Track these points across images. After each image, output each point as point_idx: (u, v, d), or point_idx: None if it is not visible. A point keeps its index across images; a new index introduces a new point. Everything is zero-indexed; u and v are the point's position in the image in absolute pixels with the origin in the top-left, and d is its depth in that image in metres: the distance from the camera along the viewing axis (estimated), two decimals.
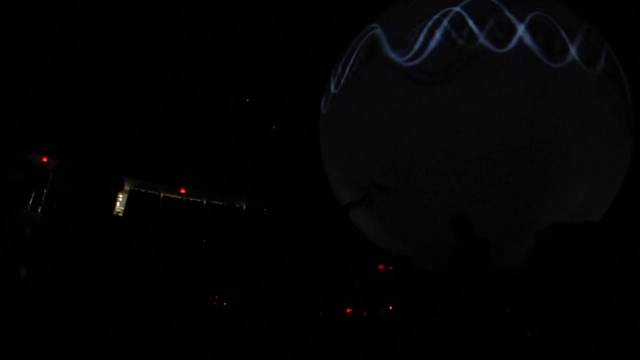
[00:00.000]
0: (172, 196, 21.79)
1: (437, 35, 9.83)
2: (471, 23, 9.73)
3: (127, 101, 18.27)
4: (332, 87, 11.79)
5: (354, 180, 10.82)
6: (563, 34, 9.77)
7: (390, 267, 8.79)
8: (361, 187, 8.51)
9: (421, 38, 9.98)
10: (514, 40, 9.51)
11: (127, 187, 21.14)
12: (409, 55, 10.04)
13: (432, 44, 9.86)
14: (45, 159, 19.08)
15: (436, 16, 9.98)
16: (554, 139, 9.19)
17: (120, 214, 20.34)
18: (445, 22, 9.86)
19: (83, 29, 16.22)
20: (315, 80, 13.95)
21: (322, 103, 12.09)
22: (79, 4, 15.70)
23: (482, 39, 9.56)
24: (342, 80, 11.33)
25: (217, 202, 21.49)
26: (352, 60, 11.23)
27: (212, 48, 17.42)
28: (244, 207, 21.20)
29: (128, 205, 20.88)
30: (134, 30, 16.68)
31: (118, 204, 20.75)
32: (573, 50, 9.68)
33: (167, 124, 19.05)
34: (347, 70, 11.22)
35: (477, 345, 4.63)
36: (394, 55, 10.23)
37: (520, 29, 9.58)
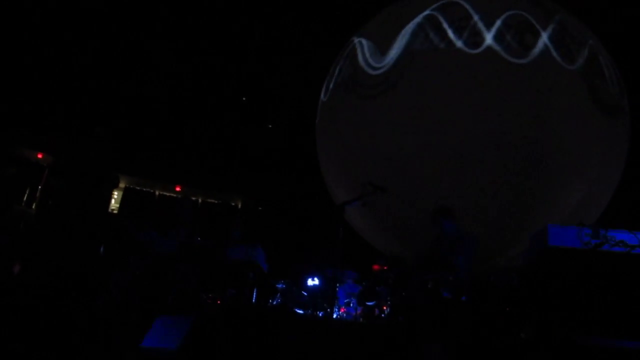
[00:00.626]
0: (168, 194, 21.76)
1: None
2: (445, 26, 9.78)
3: (123, 98, 18.21)
4: (322, 94, 11.93)
5: (350, 179, 10.86)
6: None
7: (385, 267, 8.77)
8: (357, 187, 8.53)
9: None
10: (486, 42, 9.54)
11: (122, 185, 21.10)
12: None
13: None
14: (40, 155, 19.02)
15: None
16: (544, 137, 9.22)
17: (116, 211, 20.30)
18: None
19: (79, 24, 16.16)
20: (312, 80, 13.96)
21: (322, 92, 12.12)
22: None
23: (459, 44, 9.60)
24: (331, 86, 11.47)
25: (213, 201, 21.47)
26: (337, 68, 11.40)
27: (209, 45, 17.38)
28: (239, 205, 21.20)
29: (123, 202, 20.84)
30: (130, 27, 16.63)
31: (113, 201, 20.72)
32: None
33: (163, 122, 19.01)
34: (335, 76, 11.37)
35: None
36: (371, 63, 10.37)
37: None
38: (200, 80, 18.20)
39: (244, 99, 19.39)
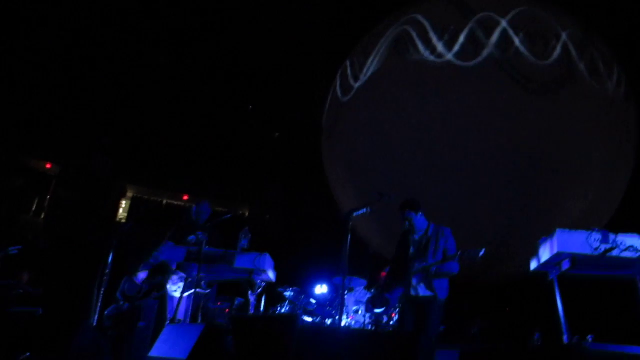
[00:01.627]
0: (175, 202, 21.78)
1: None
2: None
3: (130, 108, 18.27)
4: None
5: (357, 187, 10.86)
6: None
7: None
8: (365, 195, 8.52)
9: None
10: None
11: (129, 194, 21.14)
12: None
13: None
14: (48, 166, 19.10)
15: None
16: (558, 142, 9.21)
17: (124, 221, 20.31)
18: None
19: (86, 34, 16.25)
20: (318, 89, 13.99)
21: (326, 110, 12.10)
22: (82, 9, 15.73)
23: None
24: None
25: (220, 209, 21.47)
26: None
27: (216, 54, 17.44)
28: (247, 214, 21.18)
29: (131, 212, 20.86)
30: (137, 36, 16.70)
31: (121, 210, 20.75)
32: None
33: (170, 131, 19.05)
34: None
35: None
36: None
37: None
38: (207, 89, 18.25)
39: (250, 107, 19.43)
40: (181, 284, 7.27)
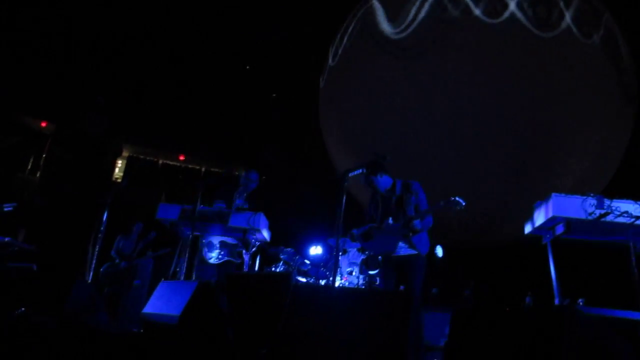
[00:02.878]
0: (171, 163, 21.77)
1: (426, 7, 9.73)
2: None
3: (126, 67, 18.11)
4: (330, 58, 11.73)
5: (352, 148, 10.83)
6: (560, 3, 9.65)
7: None
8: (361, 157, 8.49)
9: (413, 11, 9.89)
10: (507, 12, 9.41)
11: (125, 154, 21.10)
12: (401, 28, 9.95)
13: (421, 15, 9.77)
14: (44, 124, 18.99)
15: None
16: (549, 110, 9.16)
17: (119, 180, 20.32)
18: None
19: None
20: (316, 46, 13.83)
21: (322, 73, 12.01)
22: None
23: (477, 12, 9.45)
24: (340, 52, 11.28)
25: (216, 170, 21.47)
26: (348, 32, 11.17)
27: (213, 13, 17.21)
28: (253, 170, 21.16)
29: (126, 171, 20.85)
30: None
31: (117, 169, 20.73)
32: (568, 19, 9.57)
33: (166, 90, 18.92)
34: (344, 41, 11.14)
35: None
36: (388, 28, 10.15)
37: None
38: (203, 48, 18.06)
39: (247, 67, 19.25)
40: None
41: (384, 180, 5.68)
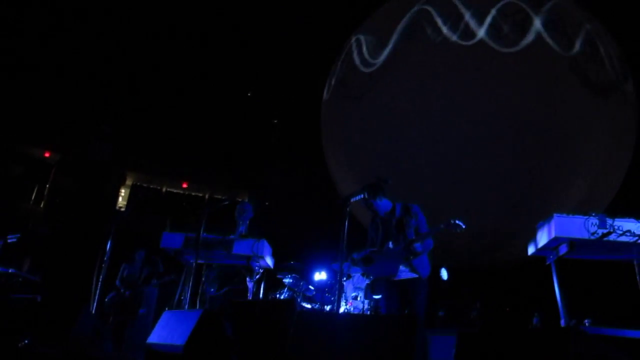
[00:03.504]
0: (175, 190, 21.81)
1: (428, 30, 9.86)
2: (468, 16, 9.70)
3: (129, 95, 18.26)
4: (325, 92, 11.88)
5: (355, 172, 10.86)
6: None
7: None
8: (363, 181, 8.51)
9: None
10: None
11: (129, 182, 21.16)
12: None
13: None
14: (47, 154, 19.10)
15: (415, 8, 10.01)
16: (552, 130, 9.19)
17: (123, 209, 20.34)
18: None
19: (85, 24, 16.20)
20: (317, 74, 13.94)
21: (325, 91, 12.10)
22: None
23: (481, 33, 9.55)
24: (332, 84, 11.42)
25: (220, 197, 21.48)
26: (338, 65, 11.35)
27: (215, 42, 17.39)
28: (246, 200, 21.20)
29: (130, 199, 20.88)
30: (136, 24, 16.66)
31: (120, 198, 20.77)
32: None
33: (170, 119, 19.04)
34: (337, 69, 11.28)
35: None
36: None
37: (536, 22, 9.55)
38: (206, 76, 18.22)
39: (249, 94, 19.39)
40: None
41: (383, 204, 5.67)
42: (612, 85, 9.95)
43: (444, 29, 9.67)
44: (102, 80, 17.56)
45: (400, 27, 10.18)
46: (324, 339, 3.97)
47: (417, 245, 5.31)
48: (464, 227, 5.17)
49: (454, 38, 9.55)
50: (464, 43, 9.45)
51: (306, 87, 16.13)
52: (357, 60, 10.86)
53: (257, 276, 7.17)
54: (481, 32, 9.52)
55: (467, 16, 9.57)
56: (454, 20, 9.64)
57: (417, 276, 5.44)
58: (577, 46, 9.62)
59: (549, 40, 9.44)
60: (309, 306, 9.01)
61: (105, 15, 16.19)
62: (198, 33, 17.18)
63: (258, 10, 16.33)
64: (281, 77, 17.90)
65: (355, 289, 9.00)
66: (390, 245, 5.52)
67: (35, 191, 19.08)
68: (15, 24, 15.62)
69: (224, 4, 16.32)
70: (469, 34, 9.49)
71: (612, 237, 5.15)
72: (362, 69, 10.64)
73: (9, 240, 7.65)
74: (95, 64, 17.27)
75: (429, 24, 9.83)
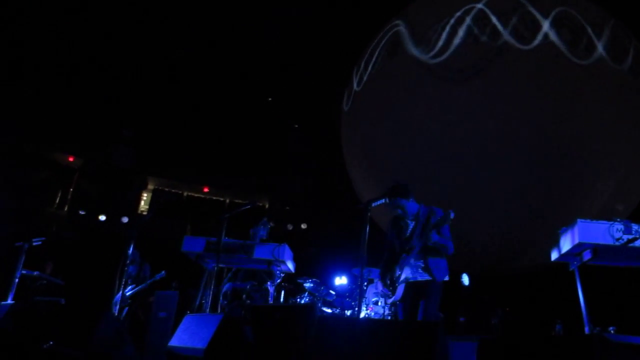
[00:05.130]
0: (196, 195, 21.95)
1: (460, 32, 9.75)
2: (494, 20, 9.64)
3: (151, 100, 18.42)
4: (355, 84, 11.77)
5: (375, 177, 10.83)
6: (589, 29, 9.63)
7: None
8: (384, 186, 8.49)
9: (444, 35, 9.91)
10: (539, 37, 9.41)
11: (150, 186, 21.34)
12: (433, 53, 9.98)
13: (456, 41, 9.79)
14: (71, 159, 19.34)
15: (458, 13, 9.90)
16: (579, 136, 9.09)
17: (144, 213, 20.53)
18: (468, 20, 9.78)
19: (109, 30, 16.39)
20: (338, 78, 13.95)
21: (344, 100, 12.07)
22: (108, 4, 15.88)
23: (506, 36, 9.48)
24: (365, 78, 11.31)
25: (240, 201, 21.57)
26: (374, 58, 11.20)
27: (236, 47, 17.48)
28: (267, 205, 21.26)
29: (152, 204, 21.06)
30: (158, 30, 16.81)
31: (142, 202, 20.95)
32: (600, 47, 9.54)
33: (191, 124, 19.17)
34: (369, 68, 11.18)
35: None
36: (417, 52, 10.18)
37: (545, 26, 9.46)
38: (227, 82, 18.31)
39: (269, 99, 19.46)
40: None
41: (411, 205, 5.67)
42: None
43: (469, 35, 9.62)
44: (125, 86, 17.73)
45: (420, 36, 10.14)
46: (344, 344, 3.96)
47: (435, 235, 5.29)
48: (452, 215, 5.17)
49: (481, 40, 9.50)
50: (487, 47, 9.39)
51: (327, 91, 16.14)
52: (376, 67, 10.84)
53: (278, 280, 7.18)
54: (505, 34, 9.45)
55: (494, 19, 9.51)
56: (481, 26, 9.59)
57: (430, 279, 5.41)
58: (599, 48, 9.51)
59: (560, 41, 9.36)
60: (329, 311, 9.00)
61: (128, 22, 16.35)
62: (219, 38, 17.28)
63: (280, 15, 16.39)
64: (302, 82, 17.93)
65: (376, 294, 8.97)
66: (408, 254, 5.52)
67: (59, 195, 19.33)
68: (40, 32, 15.85)
69: (246, 10, 16.40)
70: (493, 36, 9.43)
71: (637, 244, 5.07)
72: (382, 75, 10.62)
73: (33, 244, 7.75)
74: (117, 69, 17.46)
75: (453, 30, 9.80)
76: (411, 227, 5.67)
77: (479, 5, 9.76)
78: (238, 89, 18.53)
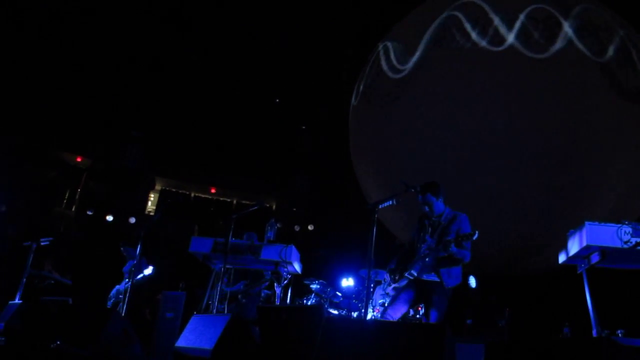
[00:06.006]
0: (203, 195, 22.00)
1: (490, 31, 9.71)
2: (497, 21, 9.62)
3: (159, 102, 18.48)
4: (353, 98, 11.83)
5: (383, 178, 10.82)
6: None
7: None
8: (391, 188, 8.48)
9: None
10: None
11: (158, 187, 21.40)
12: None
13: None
14: (79, 159, 19.42)
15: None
16: (587, 139, 9.06)
17: (152, 213, 20.58)
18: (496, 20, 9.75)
19: (117, 29, 16.46)
20: (345, 80, 13.96)
21: (353, 96, 12.06)
22: (118, 5, 15.95)
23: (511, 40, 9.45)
24: (361, 90, 11.37)
25: (247, 202, 21.60)
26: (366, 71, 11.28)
27: (243, 49, 17.52)
28: (274, 206, 21.29)
29: (159, 204, 21.12)
30: (166, 34, 16.88)
31: (149, 203, 21.01)
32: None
33: (199, 125, 19.23)
34: (383, 65, 11.14)
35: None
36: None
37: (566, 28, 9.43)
38: (234, 82, 18.35)
39: (277, 100, 19.49)
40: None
41: (438, 205, 5.65)
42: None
43: (473, 35, 9.59)
44: (133, 87, 17.79)
45: (428, 34, 10.12)
46: (351, 346, 3.96)
47: (453, 247, 5.24)
48: (476, 236, 5.11)
49: (483, 44, 9.47)
50: (493, 49, 9.36)
51: (334, 93, 16.15)
52: (385, 67, 10.82)
53: (285, 282, 7.19)
54: (511, 38, 9.42)
55: (497, 21, 9.48)
56: (483, 26, 9.56)
57: (438, 280, 5.39)
58: (610, 52, 9.46)
59: (580, 46, 9.31)
60: (336, 312, 8.99)
61: (137, 25, 16.42)
62: (226, 41, 17.32)
63: (287, 17, 16.42)
64: (309, 83, 17.95)
65: (383, 295, 8.95)
66: (425, 246, 5.50)
67: (67, 195, 19.42)
68: (48, 35, 15.93)
69: (253, 12, 16.43)
70: (498, 40, 9.40)
71: None
72: (390, 75, 10.59)
73: (42, 243, 7.79)
74: (127, 70, 17.53)
75: (457, 30, 9.76)
76: (431, 229, 5.66)
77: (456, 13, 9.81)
78: (246, 90, 18.57)
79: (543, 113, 9.12)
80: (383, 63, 10.92)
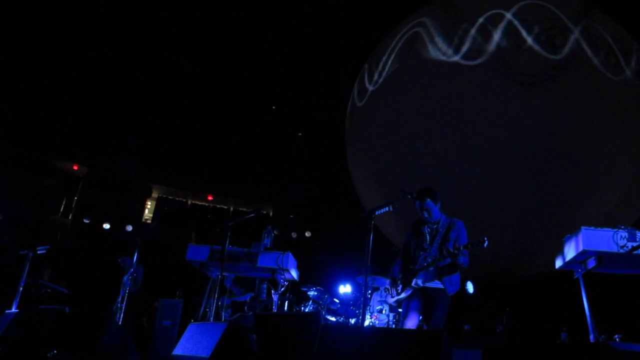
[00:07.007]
0: (200, 203, 21.99)
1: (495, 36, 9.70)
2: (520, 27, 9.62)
3: (155, 110, 18.50)
4: (349, 105, 11.73)
5: (380, 185, 10.83)
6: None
7: None
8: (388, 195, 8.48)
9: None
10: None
11: (155, 195, 21.37)
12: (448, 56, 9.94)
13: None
14: (76, 167, 19.41)
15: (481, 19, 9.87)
16: (586, 143, 9.08)
17: (149, 221, 20.56)
18: (490, 26, 9.75)
19: (112, 38, 16.48)
20: (341, 87, 13.97)
21: (356, 96, 11.99)
22: (112, 15, 15.97)
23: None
24: (380, 78, 11.17)
25: (244, 209, 21.60)
26: (391, 57, 11.06)
27: (240, 55, 17.54)
28: (271, 213, 21.28)
29: (156, 212, 21.10)
30: (161, 42, 16.90)
31: (146, 210, 20.99)
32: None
33: (195, 132, 19.24)
34: (387, 67, 10.99)
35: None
36: (435, 54, 10.13)
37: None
38: (230, 90, 18.37)
39: (273, 107, 19.51)
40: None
41: (436, 212, 5.64)
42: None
43: (466, 44, 9.62)
44: (130, 95, 17.81)
45: (414, 43, 10.15)
46: (348, 353, 3.96)
47: (462, 258, 5.23)
48: (485, 245, 5.09)
49: (482, 50, 9.50)
50: (476, 61, 9.40)
51: (330, 100, 16.17)
52: (375, 76, 10.84)
53: (282, 289, 7.18)
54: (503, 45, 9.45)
55: (497, 32, 9.51)
56: (483, 34, 9.59)
57: (442, 287, 5.40)
58: (602, 57, 9.49)
59: (578, 49, 9.34)
60: (333, 319, 8.98)
61: (132, 32, 16.44)
62: (222, 48, 17.34)
63: (282, 24, 16.45)
64: (305, 91, 17.98)
65: (381, 302, 8.95)
66: (425, 256, 5.48)
67: (63, 203, 19.39)
68: (44, 45, 15.95)
69: (249, 19, 16.46)
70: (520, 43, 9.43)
71: None
72: (378, 84, 10.62)
73: (38, 252, 7.76)
74: (123, 79, 17.54)
75: (455, 36, 9.79)
76: (429, 236, 5.64)
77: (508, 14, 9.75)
78: (242, 98, 18.60)
79: (536, 119, 9.14)
80: (371, 72, 10.94)
